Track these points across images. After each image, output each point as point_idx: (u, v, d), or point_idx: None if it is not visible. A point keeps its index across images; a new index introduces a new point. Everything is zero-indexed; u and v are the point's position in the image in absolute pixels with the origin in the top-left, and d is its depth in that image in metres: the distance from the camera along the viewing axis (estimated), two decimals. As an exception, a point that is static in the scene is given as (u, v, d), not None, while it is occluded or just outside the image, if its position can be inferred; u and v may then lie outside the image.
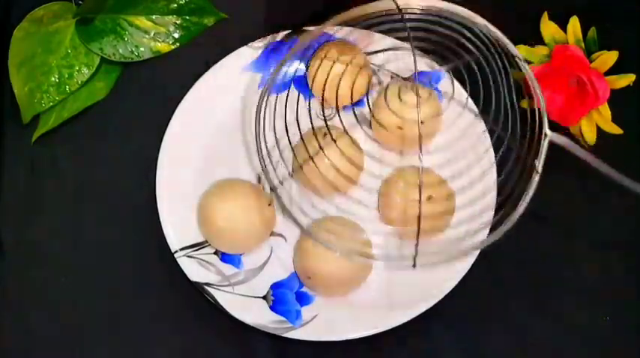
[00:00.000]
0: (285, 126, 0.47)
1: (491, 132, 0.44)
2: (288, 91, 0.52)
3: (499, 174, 0.49)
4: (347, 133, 0.48)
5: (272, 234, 0.51)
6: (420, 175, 0.42)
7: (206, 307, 0.50)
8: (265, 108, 0.46)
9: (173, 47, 0.57)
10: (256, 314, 0.49)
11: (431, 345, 0.50)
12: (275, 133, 0.47)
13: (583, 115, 0.52)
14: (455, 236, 0.47)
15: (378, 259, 0.45)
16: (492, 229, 0.44)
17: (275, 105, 0.48)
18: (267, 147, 0.45)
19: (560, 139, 0.42)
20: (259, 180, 0.45)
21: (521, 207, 0.42)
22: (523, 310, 0.51)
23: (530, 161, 0.42)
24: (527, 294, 0.51)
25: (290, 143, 0.47)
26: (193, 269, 0.50)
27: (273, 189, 0.45)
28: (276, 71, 0.45)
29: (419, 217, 0.42)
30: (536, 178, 0.42)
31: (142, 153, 0.53)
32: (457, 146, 0.47)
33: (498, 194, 0.49)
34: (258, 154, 0.45)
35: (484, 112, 0.46)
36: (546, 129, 0.42)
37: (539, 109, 0.42)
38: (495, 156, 0.45)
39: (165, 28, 0.57)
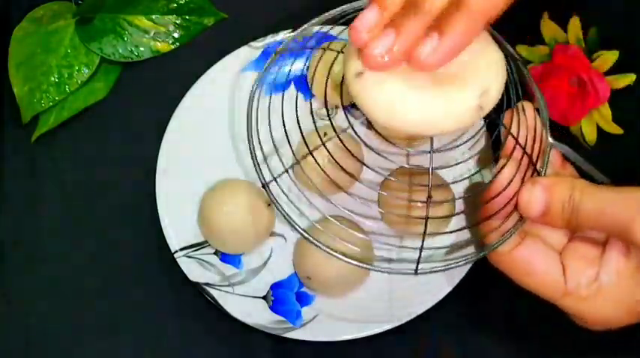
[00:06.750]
0: (282, 124, 0.47)
1: (492, 125, 0.43)
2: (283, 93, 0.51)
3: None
4: (348, 131, 0.48)
5: (272, 234, 0.51)
6: (430, 177, 0.41)
7: (206, 307, 0.50)
8: (258, 106, 0.44)
9: (173, 47, 0.57)
10: (256, 315, 0.49)
11: (431, 345, 0.50)
12: (270, 130, 0.45)
13: (583, 115, 0.52)
14: (456, 241, 0.47)
15: (379, 269, 0.44)
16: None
17: (270, 105, 0.46)
18: (260, 143, 0.43)
19: (563, 148, 0.41)
20: (263, 187, 0.43)
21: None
22: (523, 310, 0.51)
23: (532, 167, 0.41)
24: (527, 294, 0.51)
25: (289, 142, 0.47)
26: (193, 270, 0.50)
27: (265, 185, 0.43)
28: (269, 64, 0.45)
29: (425, 221, 0.42)
30: None
31: (141, 153, 0.53)
32: (459, 148, 0.46)
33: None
34: (250, 149, 0.43)
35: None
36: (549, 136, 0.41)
37: (539, 111, 0.41)
38: (495, 152, 0.43)
39: (165, 27, 0.57)
